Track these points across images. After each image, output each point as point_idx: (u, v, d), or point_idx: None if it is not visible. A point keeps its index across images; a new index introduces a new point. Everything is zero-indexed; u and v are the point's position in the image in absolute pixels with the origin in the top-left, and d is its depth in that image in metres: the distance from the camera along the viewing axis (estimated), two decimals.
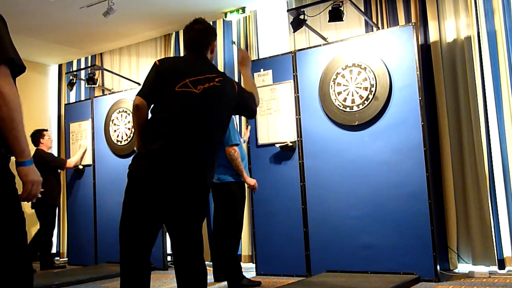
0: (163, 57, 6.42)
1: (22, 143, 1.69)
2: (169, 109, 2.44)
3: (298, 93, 4.74)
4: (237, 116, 5.33)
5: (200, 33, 2.67)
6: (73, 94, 7.32)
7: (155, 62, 2.59)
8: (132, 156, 2.56)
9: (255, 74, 5.00)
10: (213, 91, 2.51)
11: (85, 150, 6.25)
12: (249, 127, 4.96)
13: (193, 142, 2.44)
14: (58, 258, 7.11)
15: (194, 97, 2.47)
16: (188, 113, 2.45)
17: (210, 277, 4.69)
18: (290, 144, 4.69)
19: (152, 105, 2.53)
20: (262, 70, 4.97)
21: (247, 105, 2.71)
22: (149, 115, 2.54)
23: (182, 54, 6.26)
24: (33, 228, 6.20)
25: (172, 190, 2.40)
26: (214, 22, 6.01)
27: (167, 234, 5.74)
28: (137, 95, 2.50)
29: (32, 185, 1.74)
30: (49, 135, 6.05)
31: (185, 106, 2.45)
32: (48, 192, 5.49)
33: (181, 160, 2.40)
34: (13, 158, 1.79)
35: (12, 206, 1.80)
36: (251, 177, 4.72)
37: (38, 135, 5.87)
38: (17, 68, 1.77)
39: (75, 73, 6.63)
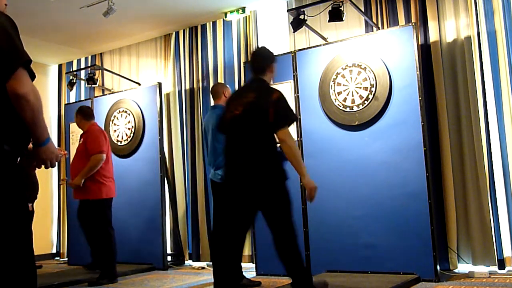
0: (163, 57, 6.43)
1: (39, 132, 1.89)
2: (225, 133, 3.32)
3: (298, 93, 4.74)
4: None
5: (255, 60, 3.36)
6: (73, 94, 7.31)
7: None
8: None
9: None
10: (249, 107, 3.16)
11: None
12: None
13: (241, 155, 3.16)
14: (58, 258, 7.12)
15: (236, 118, 3.19)
16: (232, 132, 3.23)
17: (210, 277, 4.70)
18: None
19: None
20: None
21: (278, 114, 3.09)
22: None
23: (182, 54, 6.26)
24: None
25: (242, 193, 3.13)
26: (214, 22, 6.01)
27: (167, 234, 5.77)
28: None
29: (46, 161, 1.95)
30: None
31: (231, 128, 3.24)
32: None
33: (236, 170, 3.16)
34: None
35: (15, 204, 1.83)
36: None
37: None
38: (29, 73, 1.86)
39: (75, 73, 6.62)
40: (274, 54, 3.44)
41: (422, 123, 4.12)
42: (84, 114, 5.03)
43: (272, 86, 3.39)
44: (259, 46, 3.48)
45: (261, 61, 3.34)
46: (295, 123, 4.67)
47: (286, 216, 3.16)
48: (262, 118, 3.10)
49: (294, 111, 4.69)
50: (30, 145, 1.97)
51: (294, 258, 3.17)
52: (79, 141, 5.04)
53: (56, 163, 2.01)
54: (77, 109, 5.11)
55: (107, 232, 4.82)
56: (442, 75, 4.56)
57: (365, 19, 4.89)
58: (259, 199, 3.14)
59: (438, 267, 4.04)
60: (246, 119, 3.16)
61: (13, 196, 1.84)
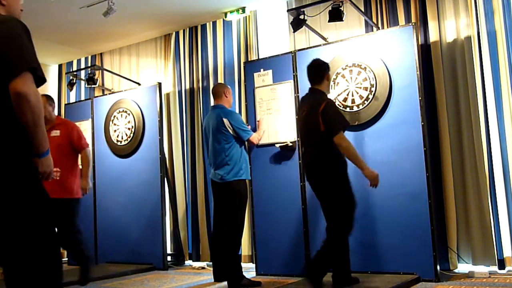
0: (163, 57, 6.43)
1: (39, 140, 1.92)
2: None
3: (298, 93, 4.74)
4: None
5: (313, 71, 3.78)
6: (73, 94, 7.32)
7: None
8: None
9: (255, 74, 5.00)
10: (305, 120, 3.71)
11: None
12: (260, 120, 4.91)
13: (308, 148, 3.76)
14: None
15: (300, 129, 3.95)
16: (302, 140, 3.94)
17: (210, 277, 4.70)
18: (290, 144, 4.68)
19: None
20: (262, 70, 4.97)
21: (328, 123, 3.53)
22: None
23: (182, 54, 6.26)
24: None
25: (310, 179, 3.74)
26: (214, 22, 6.01)
27: (167, 234, 5.77)
28: None
29: (43, 174, 1.99)
30: None
31: (300, 137, 4.00)
32: None
33: (306, 159, 3.78)
34: None
35: (33, 198, 1.91)
36: (251, 177, 4.74)
37: None
38: (37, 78, 1.93)
39: (75, 73, 6.62)
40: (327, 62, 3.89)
41: (422, 123, 4.12)
42: (54, 103, 4.66)
43: (323, 94, 3.75)
44: (313, 59, 3.85)
45: (318, 71, 3.75)
46: (295, 122, 4.70)
47: (330, 209, 3.62)
48: (315, 127, 3.57)
49: (294, 111, 4.71)
50: None
51: (330, 247, 3.53)
52: (49, 133, 4.36)
53: (48, 178, 2.03)
54: (47, 96, 4.53)
55: (80, 229, 4.52)
56: (442, 75, 4.56)
57: (365, 19, 4.89)
58: (321, 195, 3.72)
59: (438, 267, 4.04)
60: (306, 129, 3.73)
61: (31, 190, 1.91)
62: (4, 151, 1.88)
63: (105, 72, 6.85)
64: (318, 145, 3.62)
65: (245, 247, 5.36)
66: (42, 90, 7.94)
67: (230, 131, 4.35)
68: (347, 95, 4.45)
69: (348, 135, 4.43)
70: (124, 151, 5.99)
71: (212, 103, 5.18)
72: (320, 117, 3.54)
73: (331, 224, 3.62)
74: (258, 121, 4.88)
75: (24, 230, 1.87)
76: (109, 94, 6.42)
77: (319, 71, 3.76)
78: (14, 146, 1.90)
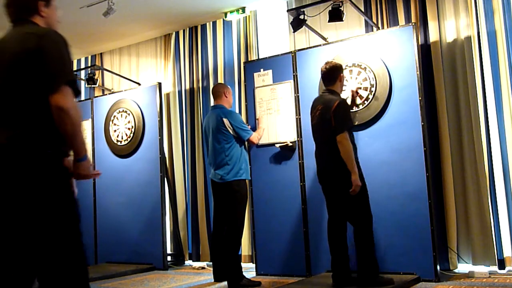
0: (163, 57, 6.43)
1: (77, 147, 2.01)
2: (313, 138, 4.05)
3: (298, 93, 4.74)
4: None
5: (327, 72, 3.93)
6: None
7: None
8: None
9: (255, 74, 5.00)
10: (319, 118, 3.85)
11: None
12: (259, 119, 4.91)
13: (321, 155, 3.90)
14: None
15: (313, 126, 3.96)
16: (315, 137, 3.98)
17: (210, 277, 4.70)
18: (290, 144, 4.69)
19: None
20: (262, 70, 4.97)
21: (336, 121, 3.70)
22: None
23: (182, 54, 6.26)
24: None
25: (322, 178, 3.92)
26: (214, 22, 6.01)
27: (167, 234, 5.77)
28: None
29: (82, 176, 2.08)
30: None
31: (313, 134, 3.99)
32: None
33: (318, 158, 3.93)
34: None
35: (62, 204, 1.95)
36: (251, 177, 4.74)
37: None
38: (74, 90, 2.01)
39: (75, 73, 6.63)
40: (341, 65, 4.05)
41: (422, 123, 4.11)
42: None
43: (336, 94, 3.90)
44: (326, 61, 4.04)
45: (332, 73, 3.91)
46: (295, 122, 4.69)
47: (343, 203, 3.80)
48: (328, 125, 3.74)
49: (294, 111, 4.71)
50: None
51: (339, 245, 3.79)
52: None
53: (82, 177, 2.11)
54: None
55: None
56: (442, 75, 4.56)
57: (365, 19, 4.89)
58: (330, 190, 3.91)
59: (438, 267, 4.04)
60: (319, 127, 3.87)
61: (60, 195, 1.95)
62: (37, 151, 1.93)
63: (105, 72, 6.85)
64: (330, 142, 3.74)
65: (245, 247, 5.36)
66: None
67: (230, 131, 4.36)
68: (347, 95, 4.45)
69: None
70: (124, 151, 5.99)
71: (212, 103, 5.18)
72: (332, 115, 3.72)
73: (336, 220, 3.86)
74: (257, 119, 4.88)
75: (57, 230, 1.91)
76: (109, 94, 6.42)
77: (333, 73, 3.91)
78: (47, 146, 1.95)
